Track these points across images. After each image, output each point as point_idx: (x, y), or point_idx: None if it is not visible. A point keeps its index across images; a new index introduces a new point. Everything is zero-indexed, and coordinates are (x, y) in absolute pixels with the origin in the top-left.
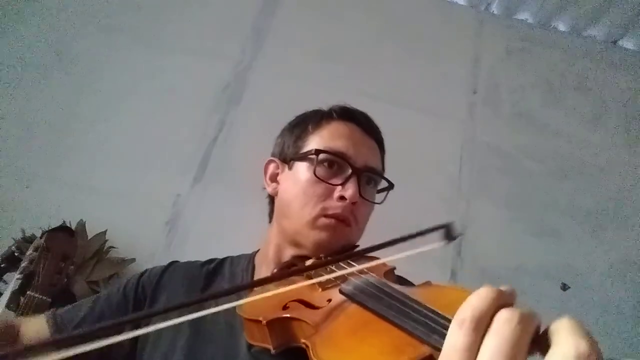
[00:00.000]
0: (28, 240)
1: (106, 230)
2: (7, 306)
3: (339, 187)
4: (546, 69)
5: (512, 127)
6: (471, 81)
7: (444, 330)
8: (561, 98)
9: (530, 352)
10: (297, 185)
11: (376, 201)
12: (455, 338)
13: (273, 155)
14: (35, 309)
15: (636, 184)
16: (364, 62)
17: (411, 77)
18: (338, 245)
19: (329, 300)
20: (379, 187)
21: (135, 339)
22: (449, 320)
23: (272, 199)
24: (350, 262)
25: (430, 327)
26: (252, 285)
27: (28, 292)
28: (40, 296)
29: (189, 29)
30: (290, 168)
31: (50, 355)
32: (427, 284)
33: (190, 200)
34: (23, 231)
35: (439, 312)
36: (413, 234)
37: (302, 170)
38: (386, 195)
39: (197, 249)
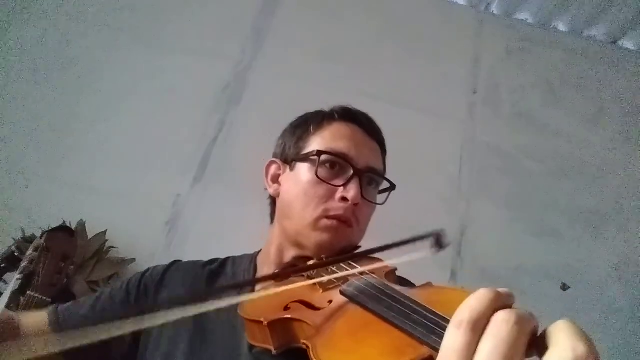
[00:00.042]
0: (28, 240)
1: (106, 230)
2: (7, 306)
3: (341, 188)
4: (546, 69)
5: (512, 127)
6: (471, 81)
7: (443, 332)
8: (561, 98)
9: (528, 354)
10: (299, 186)
11: (378, 202)
12: (453, 338)
13: (274, 156)
14: (35, 309)
15: (636, 184)
16: (364, 62)
17: (411, 77)
18: (340, 246)
19: (330, 302)
20: (381, 188)
21: (137, 339)
22: (448, 321)
23: (273, 200)
24: (352, 263)
25: (429, 328)
26: (255, 282)
27: (28, 292)
28: (40, 296)
29: (189, 29)
30: (291, 169)
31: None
32: (428, 284)
33: (190, 200)
34: (23, 231)
35: (439, 313)
36: (404, 240)
37: (303, 171)
38: (388, 196)
39: (197, 249)
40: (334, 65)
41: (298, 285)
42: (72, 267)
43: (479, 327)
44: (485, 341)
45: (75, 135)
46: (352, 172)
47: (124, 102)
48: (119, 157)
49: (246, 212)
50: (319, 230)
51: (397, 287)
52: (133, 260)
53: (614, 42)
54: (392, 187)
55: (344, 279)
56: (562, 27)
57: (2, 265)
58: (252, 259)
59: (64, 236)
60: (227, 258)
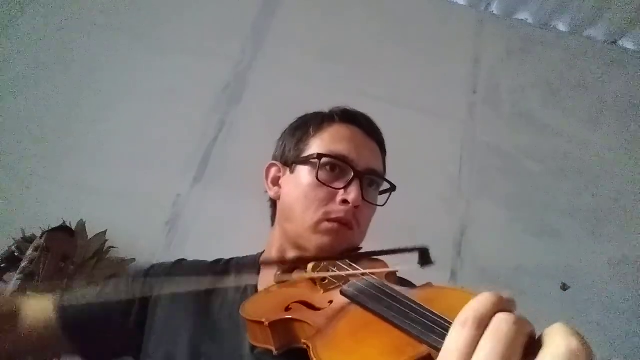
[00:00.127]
0: (28, 240)
1: (106, 230)
2: None
3: (342, 191)
4: (546, 69)
5: (512, 127)
6: (471, 81)
7: (441, 330)
8: (561, 98)
9: (525, 357)
10: (299, 189)
11: (378, 203)
12: (457, 337)
13: (274, 158)
14: None
15: (636, 184)
16: (364, 62)
17: (411, 77)
18: (341, 248)
19: (331, 302)
20: (381, 189)
21: (142, 327)
22: (446, 320)
23: (274, 202)
24: (352, 264)
25: (428, 326)
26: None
27: (28, 292)
28: None
29: (189, 29)
30: (292, 171)
31: None
32: (428, 285)
33: (190, 200)
34: (23, 231)
35: (437, 312)
36: (391, 249)
37: (304, 174)
38: (388, 197)
39: (197, 249)
40: (334, 65)
41: (304, 277)
42: (72, 267)
43: (481, 327)
44: (485, 339)
45: (75, 135)
46: (352, 174)
47: (124, 102)
48: (119, 157)
49: (246, 212)
50: (320, 233)
51: (397, 288)
52: (133, 260)
53: (614, 42)
54: (393, 188)
55: (345, 280)
56: (562, 27)
57: (2, 265)
58: (256, 260)
59: (64, 236)
60: (231, 259)
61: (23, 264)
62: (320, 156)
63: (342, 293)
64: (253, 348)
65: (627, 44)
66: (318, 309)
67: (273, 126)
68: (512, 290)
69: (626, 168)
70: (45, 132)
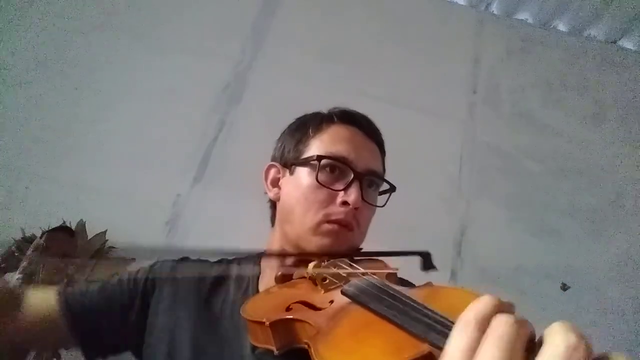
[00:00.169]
0: (28, 240)
1: (106, 230)
2: None
3: (342, 193)
4: (546, 69)
5: (512, 127)
6: (471, 81)
7: (442, 328)
8: (561, 98)
9: (526, 358)
10: (299, 191)
11: (378, 204)
12: (460, 339)
13: (273, 159)
14: None
15: (636, 184)
16: (364, 62)
17: (411, 77)
18: (341, 249)
19: (331, 302)
20: (380, 190)
21: (143, 323)
22: (447, 319)
23: (273, 203)
24: (353, 264)
25: (428, 325)
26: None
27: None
28: None
29: (189, 29)
30: (291, 173)
31: None
32: (428, 284)
33: (190, 200)
34: (23, 231)
35: (437, 311)
36: (394, 251)
37: (303, 175)
38: (388, 198)
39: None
40: (334, 65)
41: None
42: (72, 267)
43: (482, 328)
44: (486, 339)
45: (75, 135)
46: (352, 175)
47: (124, 102)
48: (119, 157)
49: (246, 212)
50: (320, 234)
51: (398, 288)
52: (133, 260)
53: (614, 42)
54: (392, 188)
55: (345, 280)
56: (562, 27)
57: (2, 265)
58: (257, 261)
59: (64, 236)
60: (233, 259)
61: (23, 264)
62: (320, 158)
63: (343, 293)
64: (254, 348)
65: (627, 44)
66: (319, 309)
67: (273, 126)
68: (512, 290)
69: (626, 168)
70: (45, 132)
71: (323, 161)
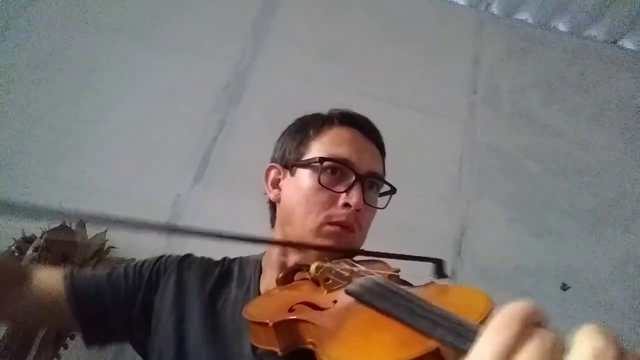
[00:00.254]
0: (28, 240)
1: (106, 230)
2: None
3: (343, 195)
4: (546, 69)
5: (512, 127)
6: (471, 81)
7: (450, 323)
8: (561, 98)
9: None
10: (300, 193)
11: (379, 206)
12: (491, 343)
13: (273, 160)
14: None
15: (636, 184)
16: (364, 62)
17: (411, 77)
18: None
19: (335, 302)
20: (381, 191)
21: (146, 316)
22: (453, 315)
23: (273, 204)
24: (355, 264)
25: (435, 321)
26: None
27: None
28: None
29: (189, 29)
30: (292, 174)
31: None
32: (431, 284)
33: (190, 200)
34: (23, 231)
35: (442, 308)
36: (406, 255)
37: (304, 177)
38: (389, 200)
39: (197, 249)
40: (334, 65)
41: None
42: (72, 267)
43: (516, 336)
44: (524, 349)
45: (75, 135)
46: (353, 177)
47: (124, 102)
48: (119, 157)
49: (246, 212)
50: (322, 236)
51: (401, 286)
52: (133, 260)
53: (614, 42)
54: (393, 190)
55: (348, 279)
56: (562, 27)
57: None
58: (257, 261)
59: (64, 236)
60: (235, 259)
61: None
62: (322, 160)
63: (347, 292)
64: (254, 349)
65: (627, 44)
66: (323, 309)
67: (273, 126)
68: (512, 290)
69: (626, 168)
70: (45, 132)
71: (325, 163)
